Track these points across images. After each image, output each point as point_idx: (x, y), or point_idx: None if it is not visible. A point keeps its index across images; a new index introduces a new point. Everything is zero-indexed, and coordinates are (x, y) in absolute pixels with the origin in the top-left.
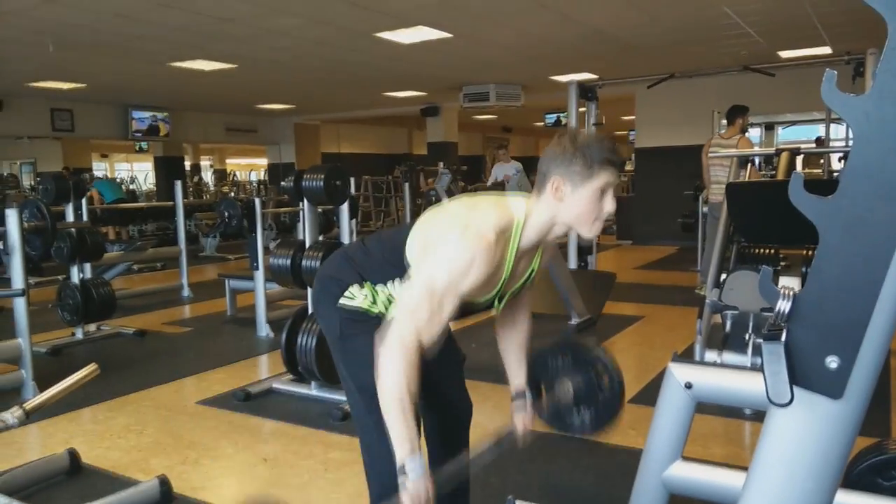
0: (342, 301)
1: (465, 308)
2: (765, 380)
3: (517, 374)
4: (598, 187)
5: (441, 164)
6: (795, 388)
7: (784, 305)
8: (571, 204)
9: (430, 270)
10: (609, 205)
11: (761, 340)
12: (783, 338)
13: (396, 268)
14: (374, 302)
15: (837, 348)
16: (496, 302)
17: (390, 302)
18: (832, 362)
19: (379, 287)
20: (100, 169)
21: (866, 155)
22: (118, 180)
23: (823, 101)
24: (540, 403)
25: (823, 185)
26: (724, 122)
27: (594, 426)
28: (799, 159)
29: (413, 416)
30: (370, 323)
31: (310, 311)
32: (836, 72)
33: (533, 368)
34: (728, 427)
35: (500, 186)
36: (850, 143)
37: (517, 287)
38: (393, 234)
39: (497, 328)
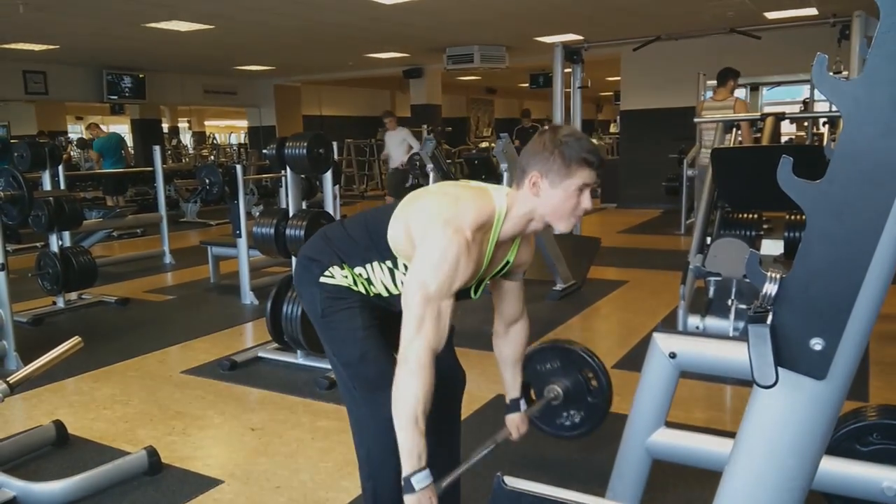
0: (322, 279)
1: None
2: (750, 362)
3: (513, 386)
4: (575, 186)
5: (425, 129)
6: (780, 370)
7: (770, 288)
8: (548, 199)
9: (420, 279)
10: (585, 202)
11: (744, 306)
12: (769, 320)
13: (377, 251)
14: (354, 283)
15: (822, 330)
16: (473, 291)
17: (369, 283)
18: (817, 344)
19: (357, 269)
20: (75, 132)
21: (855, 140)
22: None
23: (814, 85)
24: (531, 406)
25: (808, 152)
26: (714, 83)
27: (583, 427)
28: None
29: (423, 432)
30: (351, 299)
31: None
32: (826, 56)
33: (523, 372)
34: (710, 391)
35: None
36: (835, 108)
37: (493, 274)
38: (374, 216)
39: (494, 339)
